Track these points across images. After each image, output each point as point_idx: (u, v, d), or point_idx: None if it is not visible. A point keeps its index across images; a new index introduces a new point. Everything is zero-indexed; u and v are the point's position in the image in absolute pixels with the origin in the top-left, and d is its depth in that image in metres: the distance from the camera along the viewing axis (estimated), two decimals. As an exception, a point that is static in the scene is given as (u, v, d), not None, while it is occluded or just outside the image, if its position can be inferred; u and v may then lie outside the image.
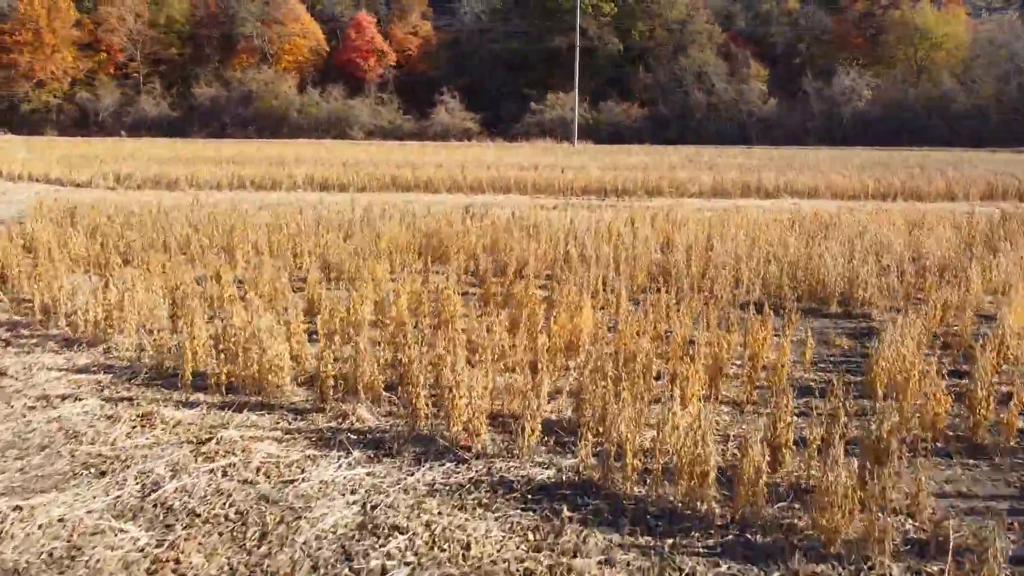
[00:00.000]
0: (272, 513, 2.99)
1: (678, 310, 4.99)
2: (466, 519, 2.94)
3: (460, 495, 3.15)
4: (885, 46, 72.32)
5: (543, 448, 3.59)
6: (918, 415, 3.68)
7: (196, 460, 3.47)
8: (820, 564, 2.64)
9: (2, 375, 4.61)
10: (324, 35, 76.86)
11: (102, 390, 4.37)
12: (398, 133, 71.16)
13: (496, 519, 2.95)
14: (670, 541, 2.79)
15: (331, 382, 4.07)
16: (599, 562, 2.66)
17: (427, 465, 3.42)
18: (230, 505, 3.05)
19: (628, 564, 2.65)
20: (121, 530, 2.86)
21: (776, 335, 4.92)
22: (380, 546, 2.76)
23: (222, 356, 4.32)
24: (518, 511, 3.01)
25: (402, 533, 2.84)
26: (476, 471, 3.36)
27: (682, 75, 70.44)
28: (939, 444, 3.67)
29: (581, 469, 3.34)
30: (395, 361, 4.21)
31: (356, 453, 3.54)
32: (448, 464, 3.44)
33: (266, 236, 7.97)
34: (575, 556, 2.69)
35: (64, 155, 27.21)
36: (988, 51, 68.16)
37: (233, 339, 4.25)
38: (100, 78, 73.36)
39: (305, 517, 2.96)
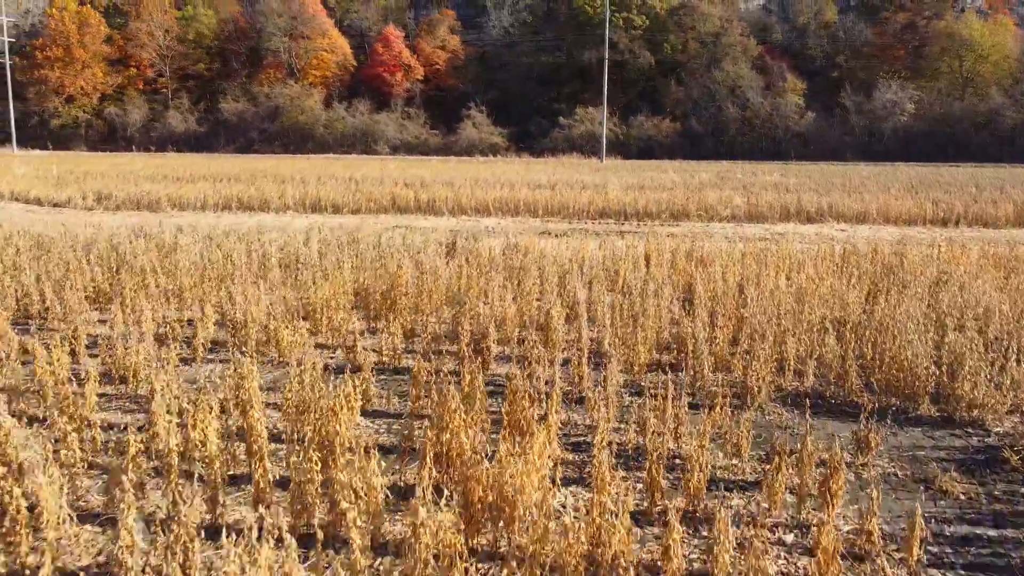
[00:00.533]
0: None
1: (693, 413, 3.26)
2: None
3: None
4: (928, 58, 69.53)
5: None
6: None
7: None
8: None
9: None
10: (351, 50, 76.28)
11: None
12: (424, 148, 70.09)
13: None
14: None
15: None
16: None
17: None
18: None
19: None
20: None
21: (847, 463, 3.13)
22: None
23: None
24: None
25: None
26: None
27: (715, 89, 68.42)
28: None
29: None
30: None
31: None
32: None
33: (173, 277, 6.42)
34: None
35: (66, 172, 26.21)
36: (1039, 63, 65.19)
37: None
38: (129, 93, 73.53)
39: None
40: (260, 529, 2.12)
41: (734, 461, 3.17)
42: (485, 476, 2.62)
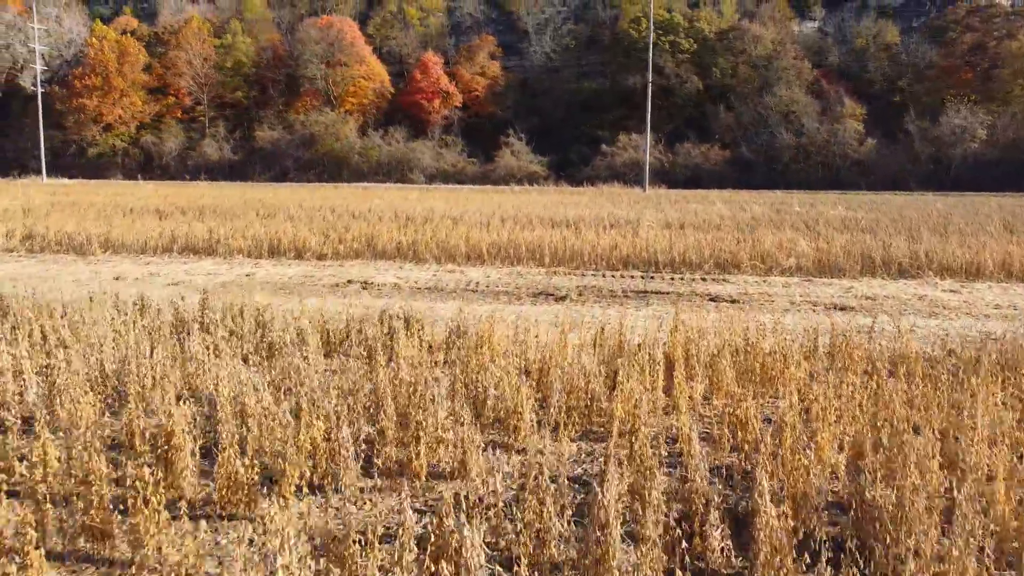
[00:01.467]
0: None
1: None
2: None
3: None
4: (1000, 81, 64.71)
5: None
6: None
7: None
8: None
9: None
10: (389, 76, 74.65)
11: None
12: (460, 177, 67.74)
13: None
14: None
15: None
16: None
17: None
18: None
19: None
20: None
21: None
22: None
23: None
24: None
25: None
26: None
27: (768, 115, 64.72)
28: None
29: None
30: None
31: None
32: None
33: None
34: None
35: (53, 202, 24.05)
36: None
37: None
38: (167, 122, 72.94)
39: None
40: None
41: None
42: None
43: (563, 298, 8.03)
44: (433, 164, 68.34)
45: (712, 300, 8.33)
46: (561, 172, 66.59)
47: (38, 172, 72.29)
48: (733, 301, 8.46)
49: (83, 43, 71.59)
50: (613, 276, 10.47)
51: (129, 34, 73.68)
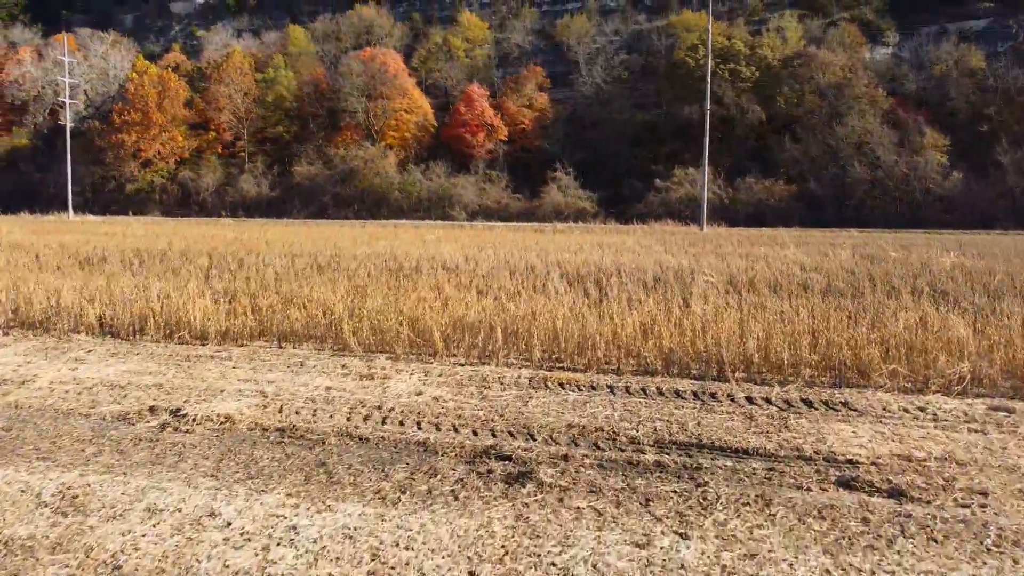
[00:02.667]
0: None
1: None
2: None
3: None
4: (1103, 108, 58.10)
5: None
6: None
7: None
8: None
9: None
10: (432, 110, 71.69)
11: None
12: (504, 213, 63.90)
13: None
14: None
15: None
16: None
17: None
18: None
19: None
20: None
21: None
22: None
23: None
24: None
25: None
26: None
27: (838, 146, 59.33)
28: None
29: None
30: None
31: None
32: None
33: None
34: None
35: (18, 242, 20.76)
36: None
37: None
38: (206, 157, 71.23)
39: None
40: None
41: None
42: None
43: (523, 476, 3.59)
44: (476, 200, 64.73)
45: (845, 486, 3.79)
46: (611, 208, 62.26)
47: (81, 208, 71.25)
48: (894, 492, 3.89)
49: (124, 78, 70.60)
50: (642, 392, 5.93)
51: (171, 69, 72.55)
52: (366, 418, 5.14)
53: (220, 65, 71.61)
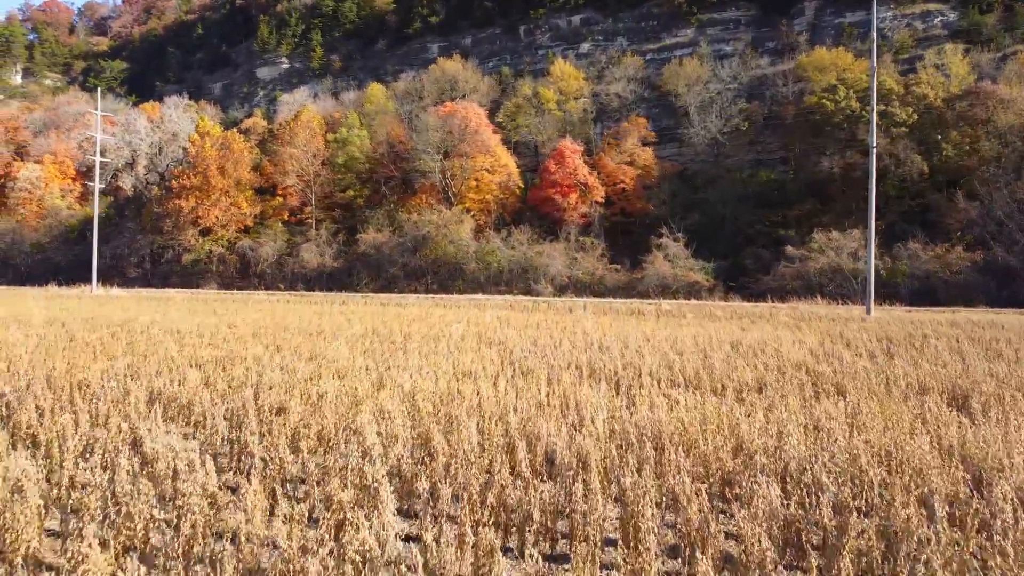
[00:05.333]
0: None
1: None
2: None
3: None
4: None
5: None
6: None
7: None
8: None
9: None
10: (518, 168, 62.59)
11: None
12: (599, 287, 53.19)
13: None
14: None
15: None
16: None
17: None
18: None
19: None
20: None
21: None
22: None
23: None
24: None
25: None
26: None
27: (1032, 203, 45.72)
28: None
29: None
30: None
31: None
32: None
33: None
34: None
35: None
36: None
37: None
38: (271, 224, 64.46)
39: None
40: None
41: None
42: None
43: None
44: (565, 271, 54.36)
45: None
46: (730, 282, 50.50)
47: (143, 281, 65.71)
48: None
49: (186, 140, 65.43)
50: None
51: (238, 130, 66.99)
52: None
53: (291, 127, 65.39)
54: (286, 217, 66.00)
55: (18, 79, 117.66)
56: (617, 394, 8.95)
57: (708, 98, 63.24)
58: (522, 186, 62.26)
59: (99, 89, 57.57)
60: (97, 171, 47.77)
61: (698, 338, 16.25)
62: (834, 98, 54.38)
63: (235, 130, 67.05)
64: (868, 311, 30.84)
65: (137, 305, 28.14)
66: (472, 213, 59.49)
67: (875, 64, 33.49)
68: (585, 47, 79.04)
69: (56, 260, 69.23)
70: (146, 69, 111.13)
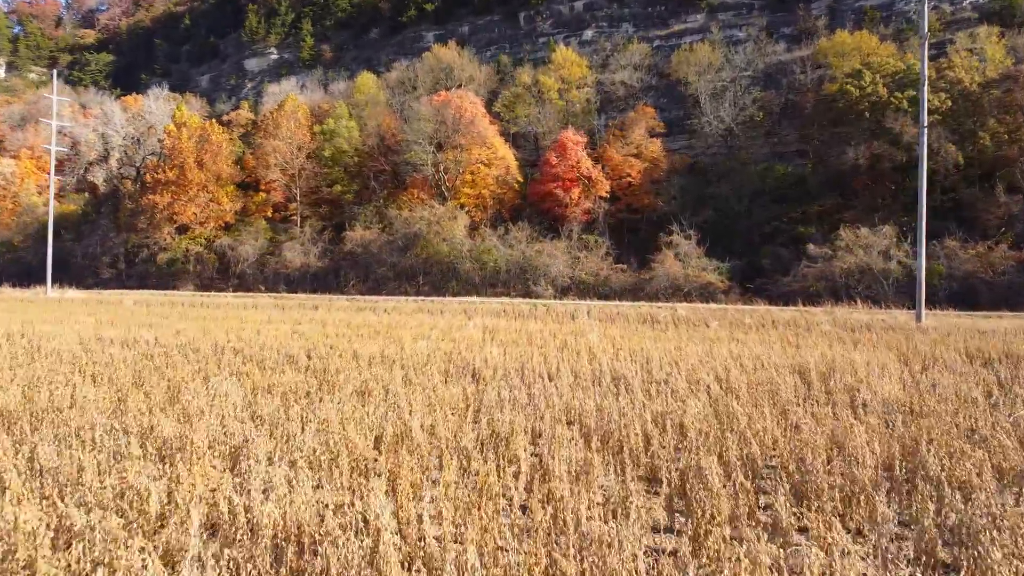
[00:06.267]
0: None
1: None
2: None
3: None
4: None
5: None
6: None
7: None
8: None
9: None
10: (517, 161, 58.32)
11: None
12: (603, 288, 48.93)
13: None
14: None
15: None
16: None
17: None
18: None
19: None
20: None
21: None
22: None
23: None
24: None
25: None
26: None
27: (1083, 196, 41.38)
28: None
29: None
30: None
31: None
32: None
33: None
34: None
35: None
36: None
37: None
38: (253, 221, 60.28)
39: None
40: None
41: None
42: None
43: None
44: (567, 271, 50.08)
45: None
46: (747, 282, 46.24)
47: (117, 282, 61.61)
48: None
49: (162, 132, 61.21)
50: None
51: (218, 121, 62.78)
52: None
53: (272, 115, 61.17)
54: (269, 214, 61.84)
55: (1, 73, 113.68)
56: (669, 512, 4.71)
57: (720, 86, 58.91)
58: (521, 180, 58.02)
59: (54, 72, 53.23)
60: (52, 161, 43.66)
61: (743, 360, 11.96)
62: (859, 84, 50.06)
63: (213, 120, 62.77)
64: (918, 318, 26.51)
65: (61, 308, 23.91)
66: (467, 209, 55.26)
67: (925, 25, 29.25)
68: (588, 34, 74.72)
69: (28, 260, 65.16)
70: (133, 62, 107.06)
